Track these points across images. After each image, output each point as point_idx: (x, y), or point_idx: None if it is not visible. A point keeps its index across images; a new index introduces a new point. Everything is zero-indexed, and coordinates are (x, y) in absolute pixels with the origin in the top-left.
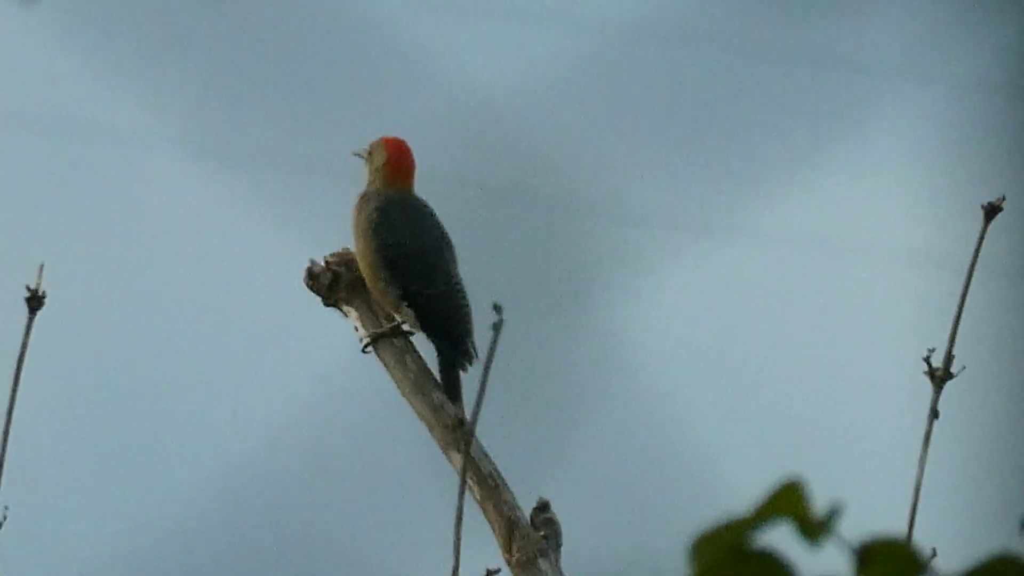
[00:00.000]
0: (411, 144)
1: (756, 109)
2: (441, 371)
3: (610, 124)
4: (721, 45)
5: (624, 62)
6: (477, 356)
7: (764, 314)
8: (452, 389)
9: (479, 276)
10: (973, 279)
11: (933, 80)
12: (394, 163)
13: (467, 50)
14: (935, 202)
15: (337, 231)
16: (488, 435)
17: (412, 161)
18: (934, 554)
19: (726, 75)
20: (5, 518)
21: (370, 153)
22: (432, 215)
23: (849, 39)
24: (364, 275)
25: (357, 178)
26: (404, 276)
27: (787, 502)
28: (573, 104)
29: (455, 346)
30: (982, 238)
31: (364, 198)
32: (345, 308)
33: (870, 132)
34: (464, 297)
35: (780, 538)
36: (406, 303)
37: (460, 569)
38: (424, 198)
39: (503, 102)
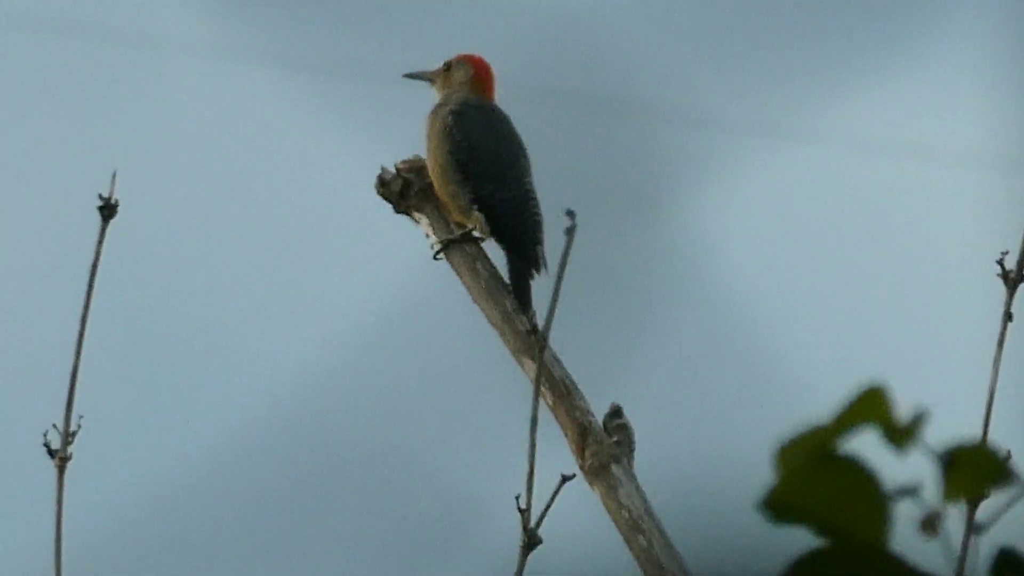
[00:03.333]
0: (487, 56)
1: (827, 12)
2: (511, 278)
3: (681, 30)
4: None
5: None
6: (547, 266)
7: (836, 217)
8: (522, 296)
9: (552, 185)
10: None
11: None
12: (479, 76)
13: None
14: (1009, 105)
15: (408, 140)
16: (560, 341)
17: (493, 74)
18: (1009, 456)
19: None
20: (80, 427)
21: (448, 70)
22: (508, 123)
23: None
24: (434, 179)
25: (427, 87)
26: (476, 179)
27: (871, 408)
28: (644, 11)
29: (525, 253)
30: None
31: (440, 105)
32: (416, 215)
33: (942, 34)
34: (536, 205)
35: (864, 443)
36: (476, 207)
37: (535, 475)
38: (501, 109)
39: (575, 12)
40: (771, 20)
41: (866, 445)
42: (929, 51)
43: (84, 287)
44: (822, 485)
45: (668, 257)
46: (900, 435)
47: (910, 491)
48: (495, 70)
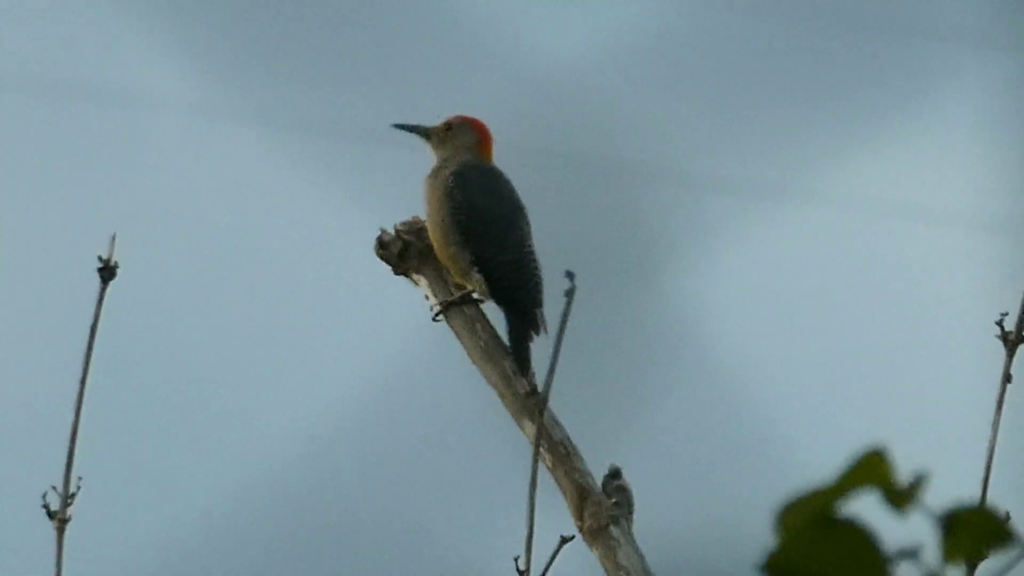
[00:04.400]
0: (482, 117)
1: (829, 75)
2: (511, 340)
3: (680, 92)
4: (792, 10)
5: (693, 29)
6: (547, 328)
7: (836, 281)
8: (522, 358)
9: (549, 245)
10: None
11: (1008, 46)
12: (482, 140)
13: (533, 21)
14: (1008, 169)
15: (406, 202)
16: (559, 404)
17: (491, 136)
18: (1008, 517)
19: (798, 41)
20: (79, 488)
21: (449, 128)
22: (508, 183)
23: (924, 4)
24: (434, 241)
25: (425, 150)
26: (477, 241)
27: (871, 471)
28: (642, 73)
29: (525, 315)
30: None
31: (439, 167)
32: (415, 276)
33: (944, 98)
34: (537, 267)
35: (864, 506)
36: (476, 269)
37: (534, 536)
38: (501, 170)
39: (571, 73)
40: (768, 81)
41: (867, 508)
42: (928, 113)
43: (83, 349)
44: (823, 548)
45: (665, 320)
46: (900, 498)
47: (911, 554)
48: (491, 130)
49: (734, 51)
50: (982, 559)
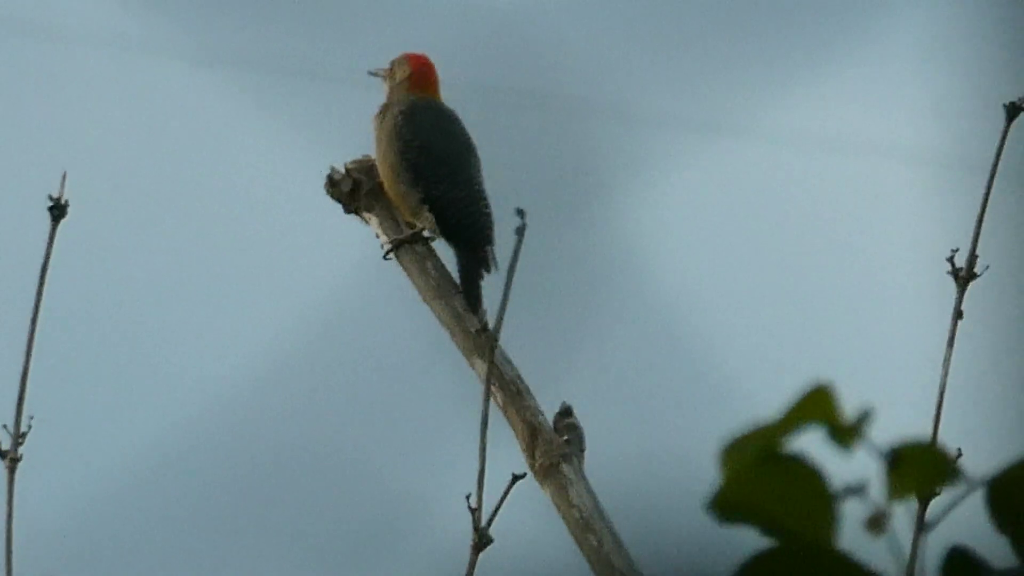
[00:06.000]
0: (426, 53)
1: (774, 8)
2: (461, 278)
3: (620, 26)
4: None
5: None
6: (497, 265)
7: (780, 216)
8: (473, 296)
9: (494, 182)
10: (996, 179)
11: None
12: (418, 74)
13: None
14: (954, 102)
15: (357, 140)
16: (509, 341)
17: (435, 72)
18: (959, 455)
19: None
20: (31, 428)
21: (391, 69)
22: (457, 121)
23: None
24: (384, 179)
25: (375, 88)
26: (426, 179)
27: (817, 407)
28: (586, 5)
29: (476, 252)
30: (1005, 137)
31: (388, 105)
32: (366, 215)
33: (891, 31)
34: (487, 204)
35: (810, 442)
36: (427, 207)
37: (486, 474)
38: (451, 108)
39: (511, 9)
40: (710, 16)
41: (812, 444)
42: (870, 46)
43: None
44: (768, 484)
45: (611, 254)
46: (846, 434)
47: (856, 490)
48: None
49: None
50: (932, 496)
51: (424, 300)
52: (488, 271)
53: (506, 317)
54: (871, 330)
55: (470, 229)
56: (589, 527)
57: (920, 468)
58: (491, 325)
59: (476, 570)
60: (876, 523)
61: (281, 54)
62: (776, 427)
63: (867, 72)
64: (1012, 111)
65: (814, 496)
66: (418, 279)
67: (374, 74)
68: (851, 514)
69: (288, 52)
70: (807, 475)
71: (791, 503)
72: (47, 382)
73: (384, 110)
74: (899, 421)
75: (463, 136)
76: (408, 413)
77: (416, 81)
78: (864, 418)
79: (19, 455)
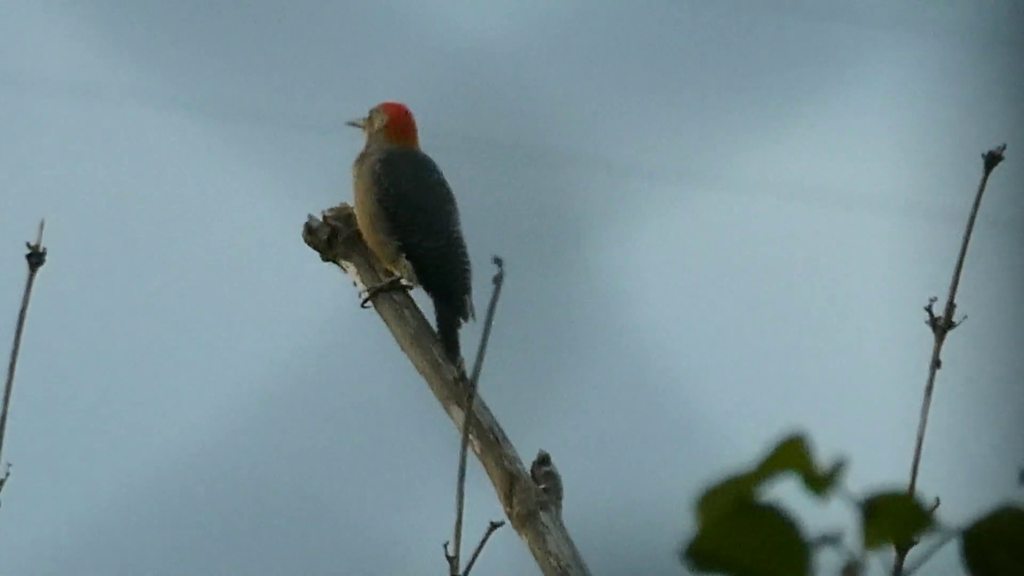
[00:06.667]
0: (404, 102)
1: (747, 58)
2: (439, 326)
3: (597, 73)
4: None
5: (610, 10)
6: (475, 314)
7: (757, 265)
8: (450, 344)
9: (472, 230)
10: (974, 228)
11: (928, 29)
12: (396, 122)
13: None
14: (931, 152)
15: (334, 188)
16: (487, 389)
17: (413, 121)
18: (937, 504)
19: (715, 23)
20: (8, 475)
21: (370, 118)
22: (436, 170)
23: None
24: (362, 228)
25: (353, 137)
26: (404, 228)
27: (791, 456)
28: (560, 55)
29: (453, 301)
30: (983, 187)
31: (366, 153)
32: (344, 263)
33: (865, 81)
34: (464, 253)
35: (785, 492)
36: (404, 255)
37: (463, 522)
38: (429, 156)
39: (490, 54)
40: (683, 66)
41: (787, 494)
42: (853, 100)
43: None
44: (743, 534)
45: (588, 303)
46: (821, 483)
47: (831, 539)
48: (417, 117)
49: (653, 32)
50: (908, 546)
51: (402, 348)
52: (466, 319)
53: (484, 365)
54: (849, 379)
55: (448, 277)
56: (566, 575)
57: (896, 518)
58: (469, 373)
59: None
60: (851, 573)
61: (259, 102)
62: (751, 477)
63: (843, 121)
64: (991, 160)
65: (789, 546)
66: (396, 327)
67: (353, 124)
68: (826, 564)
69: (266, 100)
70: (782, 525)
71: (766, 553)
72: (25, 430)
73: (362, 158)
74: (877, 470)
75: (441, 185)
76: (386, 461)
77: (394, 130)
78: (839, 467)
79: None
